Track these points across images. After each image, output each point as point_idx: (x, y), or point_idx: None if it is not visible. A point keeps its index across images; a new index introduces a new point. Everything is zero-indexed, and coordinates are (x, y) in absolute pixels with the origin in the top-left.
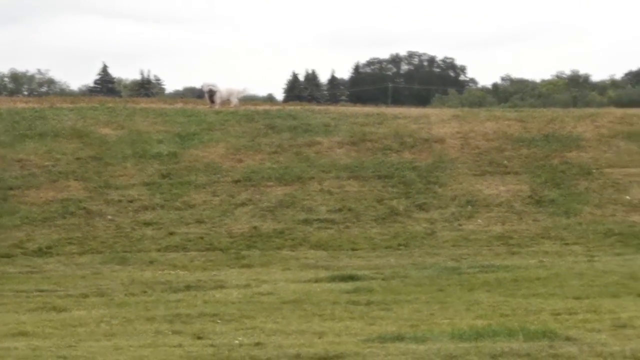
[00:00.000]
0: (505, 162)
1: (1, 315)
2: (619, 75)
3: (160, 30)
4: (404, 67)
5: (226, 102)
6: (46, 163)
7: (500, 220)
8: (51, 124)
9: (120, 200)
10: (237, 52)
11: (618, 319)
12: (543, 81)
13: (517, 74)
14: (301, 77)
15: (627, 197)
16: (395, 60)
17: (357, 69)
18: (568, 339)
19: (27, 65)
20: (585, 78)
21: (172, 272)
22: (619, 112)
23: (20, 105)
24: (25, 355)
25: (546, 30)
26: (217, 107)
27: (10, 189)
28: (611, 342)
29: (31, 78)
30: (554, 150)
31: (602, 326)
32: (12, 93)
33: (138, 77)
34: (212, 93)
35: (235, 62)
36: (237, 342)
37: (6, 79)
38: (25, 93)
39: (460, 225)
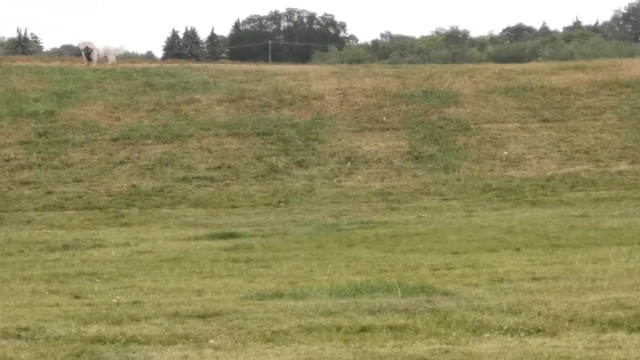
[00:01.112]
0: (384, 118)
1: None
2: (497, 31)
3: None
4: (284, 24)
5: (103, 59)
6: None
7: (379, 177)
8: None
9: None
10: (116, 7)
11: (495, 273)
12: (422, 37)
13: (396, 30)
14: (181, 35)
15: (505, 153)
16: (275, 17)
17: (237, 26)
18: (446, 293)
19: None
20: (465, 34)
21: (50, 231)
22: (496, 67)
23: None
24: None
25: None
26: (94, 64)
27: None
28: (488, 295)
29: None
30: (432, 106)
31: (480, 280)
32: None
33: (15, 35)
34: (88, 51)
35: (114, 18)
36: (114, 300)
37: None
38: None
39: (339, 181)
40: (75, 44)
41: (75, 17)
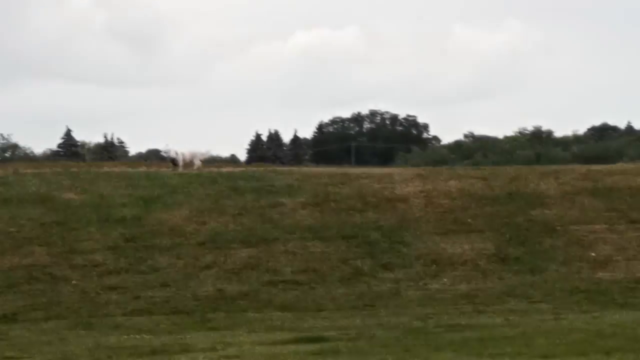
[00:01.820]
0: (469, 220)
1: None
2: (582, 130)
3: (122, 94)
4: (367, 126)
5: (189, 164)
6: (10, 229)
7: (465, 279)
8: (15, 189)
9: (85, 265)
10: (200, 113)
11: None
12: (506, 137)
13: (479, 130)
14: (264, 137)
15: (592, 254)
16: (358, 119)
17: (320, 128)
18: None
19: None
20: (548, 134)
21: (138, 336)
22: (582, 168)
23: None
24: None
25: (508, 86)
26: (180, 170)
27: None
28: None
29: None
30: (518, 208)
31: None
32: None
33: (102, 140)
34: (175, 157)
35: (198, 123)
36: None
37: None
38: None
39: (425, 284)
40: (161, 147)
41: (158, 123)
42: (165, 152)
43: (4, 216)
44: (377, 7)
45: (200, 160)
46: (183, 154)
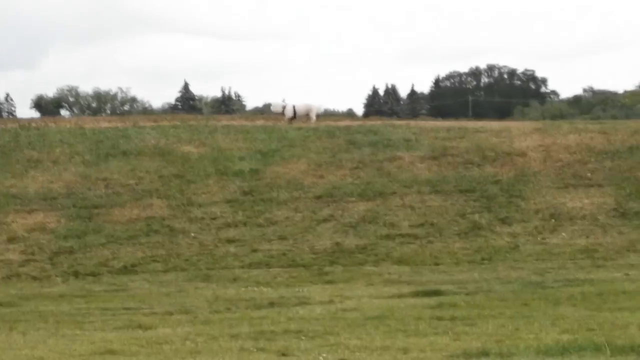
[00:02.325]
0: (589, 174)
1: (89, 333)
2: None
3: (240, 47)
4: (484, 80)
5: (305, 118)
6: (130, 182)
7: (584, 234)
8: (134, 142)
9: (203, 218)
10: (317, 67)
11: None
12: (626, 92)
13: (599, 85)
14: (381, 92)
15: None
16: (475, 73)
17: (437, 82)
18: None
19: (110, 84)
20: None
21: (256, 289)
22: None
23: (103, 124)
24: None
25: (629, 39)
26: (293, 123)
27: (95, 207)
28: None
29: (114, 97)
30: (638, 162)
31: None
32: (96, 112)
33: (219, 94)
34: (285, 110)
35: (315, 76)
36: (321, 358)
37: (90, 98)
38: (108, 112)
39: (543, 239)
40: (274, 102)
41: (275, 76)
42: (274, 107)
43: (124, 168)
44: None
45: (315, 115)
46: (294, 106)
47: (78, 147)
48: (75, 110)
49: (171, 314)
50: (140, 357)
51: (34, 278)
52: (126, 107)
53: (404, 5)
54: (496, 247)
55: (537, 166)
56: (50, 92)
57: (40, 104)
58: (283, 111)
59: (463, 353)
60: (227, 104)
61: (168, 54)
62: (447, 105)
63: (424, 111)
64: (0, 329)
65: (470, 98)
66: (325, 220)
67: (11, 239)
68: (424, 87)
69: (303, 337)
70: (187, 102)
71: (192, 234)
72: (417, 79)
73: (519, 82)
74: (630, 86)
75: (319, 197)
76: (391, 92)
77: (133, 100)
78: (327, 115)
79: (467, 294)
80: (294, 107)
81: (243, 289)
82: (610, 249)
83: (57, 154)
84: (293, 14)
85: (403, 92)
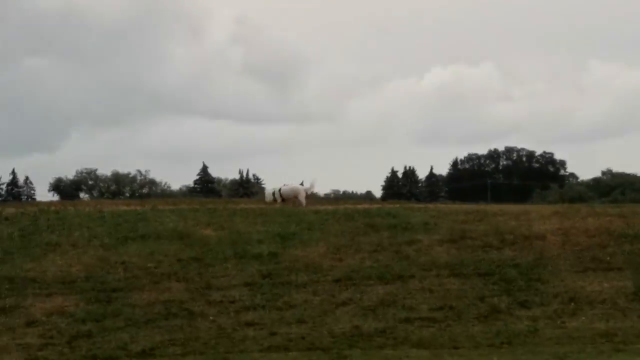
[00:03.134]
0: (608, 258)
1: None
2: None
3: (258, 130)
4: (503, 163)
5: (293, 201)
6: (148, 265)
7: (604, 318)
8: (153, 225)
9: (221, 301)
10: (335, 149)
11: None
12: None
13: (618, 167)
14: (399, 174)
15: None
16: (494, 156)
17: (455, 165)
18: None
19: (129, 167)
20: None
21: None
22: None
23: (122, 207)
24: None
25: None
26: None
27: (114, 291)
28: None
29: (133, 179)
30: None
31: None
32: (115, 195)
33: (237, 176)
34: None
35: (333, 159)
36: None
37: (109, 181)
38: (127, 195)
39: (563, 322)
40: (269, 190)
41: (293, 158)
42: (267, 197)
43: (143, 252)
44: (511, 43)
45: (304, 198)
46: (282, 192)
47: (97, 231)
48: (94, 194)
49: None
50: None
51: None
52: (145, 190)
53: (420, 87)
54: (515, 331)
55: (556, 250)
56: (69, 175)
57: (59, 187)
58: (274, 198)
59: None
60: (245, 186)
61: (186, 137)
62: (466, 188)
63: (442, 194)
64: None
65: (488, 181)
66: (344, 303)
67: (30, 323)
68: (443, 169)
69: None
70: (205, 184)
71: (211, 317)
72: (436, 161)
73: (537, 165)
74: None
75: (337, 280)
76: (410, 174)
77: (152, 183)
78: (346, 197)
79: None
80: (280, 191)
81: None
82: (630, 333)
83: (76, 237)
84: (310, 97)
85: (422, 174)
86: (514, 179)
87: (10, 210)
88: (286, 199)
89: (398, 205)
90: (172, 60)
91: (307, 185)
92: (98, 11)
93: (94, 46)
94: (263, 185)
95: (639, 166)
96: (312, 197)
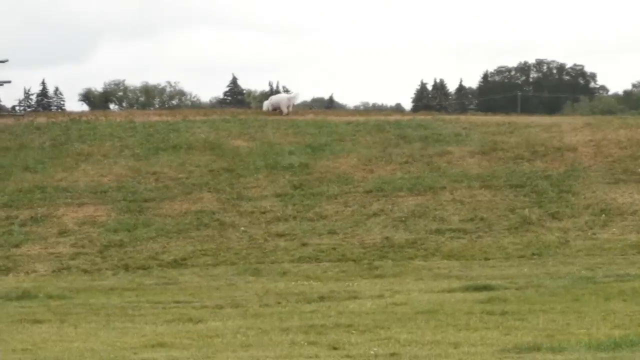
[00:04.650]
0: None
1: (139, 326)
2: None
3: (288, 41)
4: (533, 75)
5: (277, 110)
6: (180, 175)
7: (635, 229)
8: (184, 136)
9: (252, 212)
10: (364, 61)
11: None
12: None
13: None
14: (429, 86)
15: None
16: (524, 68)
17: (485, 77)
18: None
19: (158, 78)
20: None
21: (305, 283)
22: None
23: (154, 118)
24: None
25: None
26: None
27: (145, 201)
28: None
29: (162, 91)
30: None
31: None
32: (144, 106)
33: (267, 88)
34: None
35: (363, 71)
36: (372, 352)
37: (138, 92)
38: (157, 106)
39: (594, 234)
40: (326, 97)
41: (323, 69)
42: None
43: (174, 162)
44: None
45: (287, 107)
46: (271, 102)
47: (128, 141)
48: (124, 105)
49: (221, 307)
50: (191, 350)
51: (85, 271)
52: (175, 102)
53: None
54: (546, 242)
55: (587, 161)
56: (98, 86)
57: (88, 97)
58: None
59: (514, 347)
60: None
61: (216, 48)
62: (496, 101)
63: (472, 106)
64: (51, 321)
65: (519, 93)
66: (375, 214)
67: (62, 232)
68: (473, 82)
69: (353, 331)
70: (235, 96)
71: (242, 228)
72: (466, 74)
73: (567, 78)
74: None
75: (368, 192)
76: (439, 87)
77: (181, 94)
78: (376, 109)
79: (517, 289)
80: (270, 101)
81: (293, 283)
82: None
83: (107, 148)
84: (342, 8)
85: (451, 87)
86: (544, 91)
87: (41, 119)
88: (275, 108)
89: (429, 117)
90: None
91: (290, 95)
92: None
93: None
94: None
95: None
96: (341, 109)
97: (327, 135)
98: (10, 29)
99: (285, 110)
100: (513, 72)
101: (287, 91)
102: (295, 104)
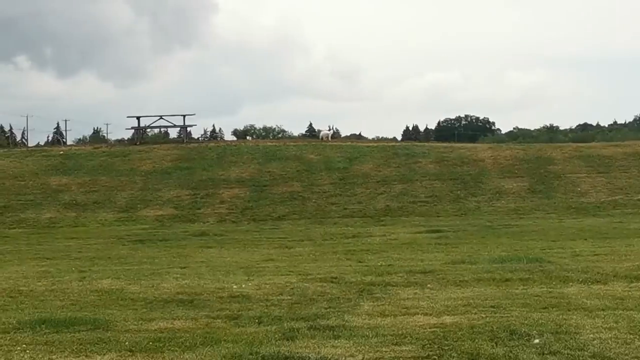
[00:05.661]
0: None
1: (259, 250)
2: None
3: (332, 106)
4: (463, 122)
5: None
6: (281, 173)
7: (512, 202)
8: (284, 153)
9: (318, 192)
10: (379, 112)
11: (573, 252)
12: None
13: None
14: (410, 127)
15: None
16: (459, 118)
17: (439, 123)
18: (549, 262)
19: (272, 123)
20: None
21: (345, 228)
22: None
23: (268, 143)
24: (272, 268)
25: None
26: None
27: (264, 186)
28: (571, 263)
29: (272, 129)
30: None
31: (565, 255)
32: (263, 137)
33: (327, 128)
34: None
35: (378, 118)
36: (379, 263)
37: (261, 130)
38: (270, 137)
39: (492, 204)
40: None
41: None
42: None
43: (278, 167)
44: None
45: (329, 137)
46: (321, 135)
47: (255, 155)
48: (255, 136)
49: (302, 240)
50: (286, 262)
51: (233, 222)
52: (280, 135)
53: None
54: (468, 208)
55: (489, 166)
56: (240, 126)
57: (236, 133)
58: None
59: (451, 261)
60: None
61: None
62: (444, 135)
63: (432, 138)
64: (215, 247)
65: (455, 132)
66: (380, 194)
67: (221, 202)
68: (432, 125)
69: (370, 253)
70: (312, 132)
71: (313, 200)
72: (430, 121)
73: (480, 123)
74: None
75: (378, 182)
76: (415, 127)
77: (283, 130)
78: (383, 139)
79: (454, 232)
80: (320, 134)
81: (339, 228)
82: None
83: (244, 159)
84: (368, 85)
85: (422, 128)
86: (468, 130)
87: (211, 144)
88: (321, 138)
89: (409, 143)
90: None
91: (327, 132)
92: None
93: None
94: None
95: None
96: (365, 139)
97: (357, 152)
98: (195, 95)
99: (326, 139)
100: (453, 121)
101: (329, 129)
102: (333, 136)
